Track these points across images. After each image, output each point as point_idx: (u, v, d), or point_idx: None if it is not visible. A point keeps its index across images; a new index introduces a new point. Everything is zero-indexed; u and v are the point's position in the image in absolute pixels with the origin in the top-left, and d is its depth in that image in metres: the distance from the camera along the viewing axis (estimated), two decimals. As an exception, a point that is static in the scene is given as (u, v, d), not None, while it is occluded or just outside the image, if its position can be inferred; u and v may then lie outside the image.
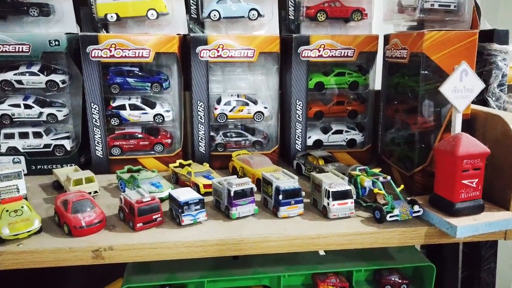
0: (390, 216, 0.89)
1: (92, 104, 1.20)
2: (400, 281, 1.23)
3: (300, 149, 1.32)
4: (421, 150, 1.06)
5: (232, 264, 1.19)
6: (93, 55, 1.17)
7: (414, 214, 0.91)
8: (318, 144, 1.34)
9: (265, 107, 1.31)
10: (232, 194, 0.92)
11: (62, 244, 0.81)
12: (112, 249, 0.82)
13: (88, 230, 0.84)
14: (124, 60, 1.19)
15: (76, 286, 1.57)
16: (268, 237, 0.86)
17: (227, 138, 1.31)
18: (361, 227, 0.90)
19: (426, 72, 1.01)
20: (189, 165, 1.18)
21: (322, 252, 1.27)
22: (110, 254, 0.82)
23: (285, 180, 0.98)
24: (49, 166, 1.23)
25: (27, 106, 1.20)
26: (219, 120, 1.29)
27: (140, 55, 1.19)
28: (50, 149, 1.23)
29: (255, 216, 0.96)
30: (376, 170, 1.04)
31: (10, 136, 1.21)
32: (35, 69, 1.19)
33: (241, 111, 1.29)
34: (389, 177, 0.97)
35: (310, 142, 1.34)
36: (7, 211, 0.83)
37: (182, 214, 0.88)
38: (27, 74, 1.19)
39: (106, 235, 0.86)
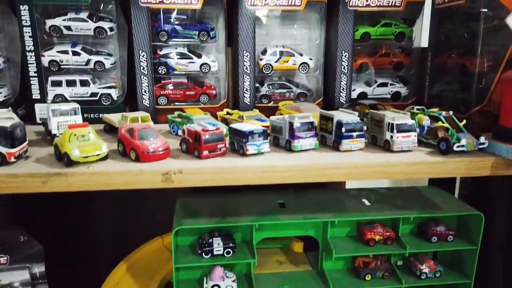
0: (457, 146, 0.89)
1: (140, 51, 1.20)
2: (447, 232, 1.22)
3: (344, 102, 1.31)
4: (479, 90, 1.05)
5: (279, 211, 1.19)
6: (142, 0, 1.16)
7: (480, 146, 0.91)
8: (362, 96, 1.33)
9: (310, 59, 1.30)
10: (295, 126, 0.91)
11: (132, 168, 0.81)
12: (182, 173, 0.81)
13: (156, 156, 0.84)
14: (173, 6, 1.18)
15: (112, 247, 1.57)
16: (336, 165, 0.85)
17: (272, 90, 1.31)
18: (428, 158, 0.89)
19: (486, 10, 1.00)
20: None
21: (367, 203, 1.26)
22: (180, 178, 0.81)
23: (344, 115, 0.97)
24: (95, 115, 1.23)
25: (75, 53, 1.20)
26: (264, 71, 1.29)
27: (189, 1, 1.18)
28: (97, 98, 1.23)
29: (316, 151, 0.95)
30: (434, 110, 1.03)
31: (57, 83, 1.21)
32: (83, 15, 1.19)
33: (287, 62, 1.29)
34: (451, 112, 0.97)
35: (354, 94, 1.33)
36: (75, 135, 0.82)
37: (247, 143, 0.88)
38: (75, 20, 1.18)
39: (172, 161, 0.86)
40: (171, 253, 1.47)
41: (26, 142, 0.87)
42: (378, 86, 1.33)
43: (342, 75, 1.29)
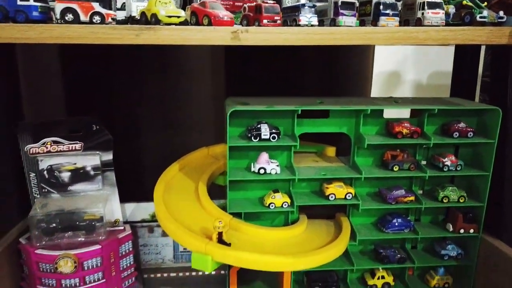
0: (480, 17, 1.03)
1: (194, -39, 1.37)
2: (467, 128, 1.37)
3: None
4: (499, -14, 1.19)
5: (319, 105, 1.35)
6: None
7: (499, 20, 1.05)
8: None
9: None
10: (339, 3, 1.07)
11: (206, 27, 0.98)
12: (248, 32, 0.98)
13: (225, 22, 1.01)
14: None
15: (164, 154, 1.74)
16: (375, 30, 1.01)
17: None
18: (454, 28, 1.04)
19: None
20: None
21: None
22: (246, 36, 0.98)
23: (381, -1, 1.12)
24: (156, 22, 1.40)
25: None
26: (303, -15, 1.45)
27: None
28: (158, 6, 1.40)
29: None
30: None
31: (123, -8, 1.39)
32: None
33: (324, -23, 1.44)
34: (474, -5, 1.12)
35: (384, 8, 1.48)
36: (159, 1, 1.00)
37: (300, 15, 1.04)
38: None
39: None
40: (216, 159, 1.66)
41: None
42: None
43: (373, -10, 1.44)
